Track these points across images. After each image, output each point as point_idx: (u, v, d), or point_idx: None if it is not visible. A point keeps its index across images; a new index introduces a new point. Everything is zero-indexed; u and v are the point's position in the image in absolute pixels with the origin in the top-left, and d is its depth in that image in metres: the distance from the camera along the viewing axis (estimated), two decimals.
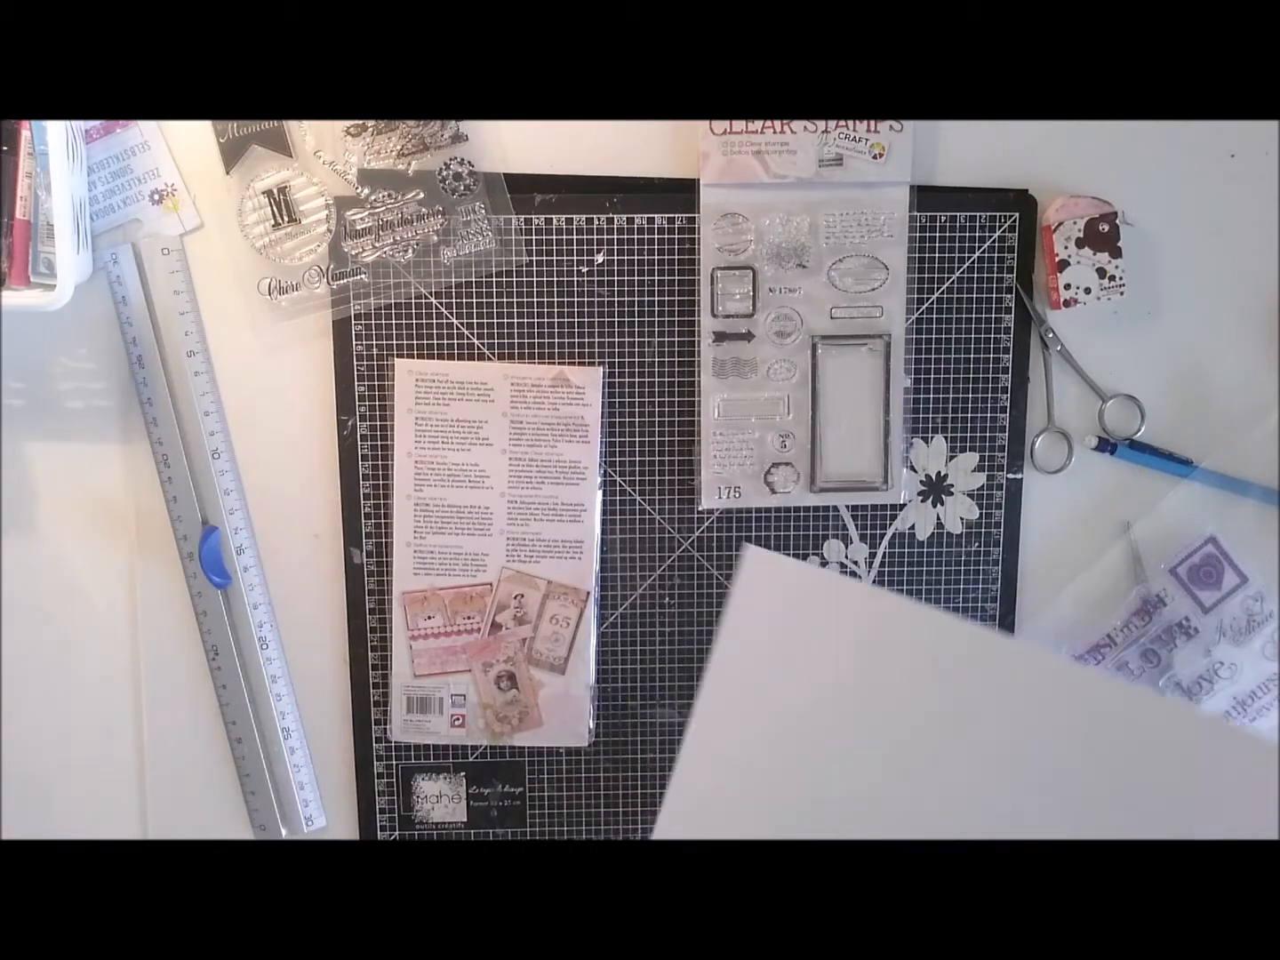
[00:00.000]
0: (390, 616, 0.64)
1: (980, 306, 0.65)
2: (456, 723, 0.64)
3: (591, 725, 0.65)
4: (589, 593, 0.62)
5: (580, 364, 0.64)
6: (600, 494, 0.61)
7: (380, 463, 0.64)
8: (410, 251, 0.63)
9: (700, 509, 0.65)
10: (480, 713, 0.64)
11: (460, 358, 0.64)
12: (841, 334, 0.64)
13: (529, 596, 0.62)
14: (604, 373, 0.59)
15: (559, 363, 0.64)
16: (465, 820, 0.68)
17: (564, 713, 0.64)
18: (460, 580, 0.62)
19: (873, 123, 0.61)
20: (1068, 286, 0.64)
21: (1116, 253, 0.63)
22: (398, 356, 0.63)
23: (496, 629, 0.63)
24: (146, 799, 0.67)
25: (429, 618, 0.63)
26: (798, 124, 0.61)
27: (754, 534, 0.66)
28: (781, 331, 0.63)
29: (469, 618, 0.63)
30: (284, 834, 0.67)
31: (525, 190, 0.63)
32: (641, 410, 0.65)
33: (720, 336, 0.64)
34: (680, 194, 0.64)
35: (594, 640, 0.63)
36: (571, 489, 0.61)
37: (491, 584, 0.62)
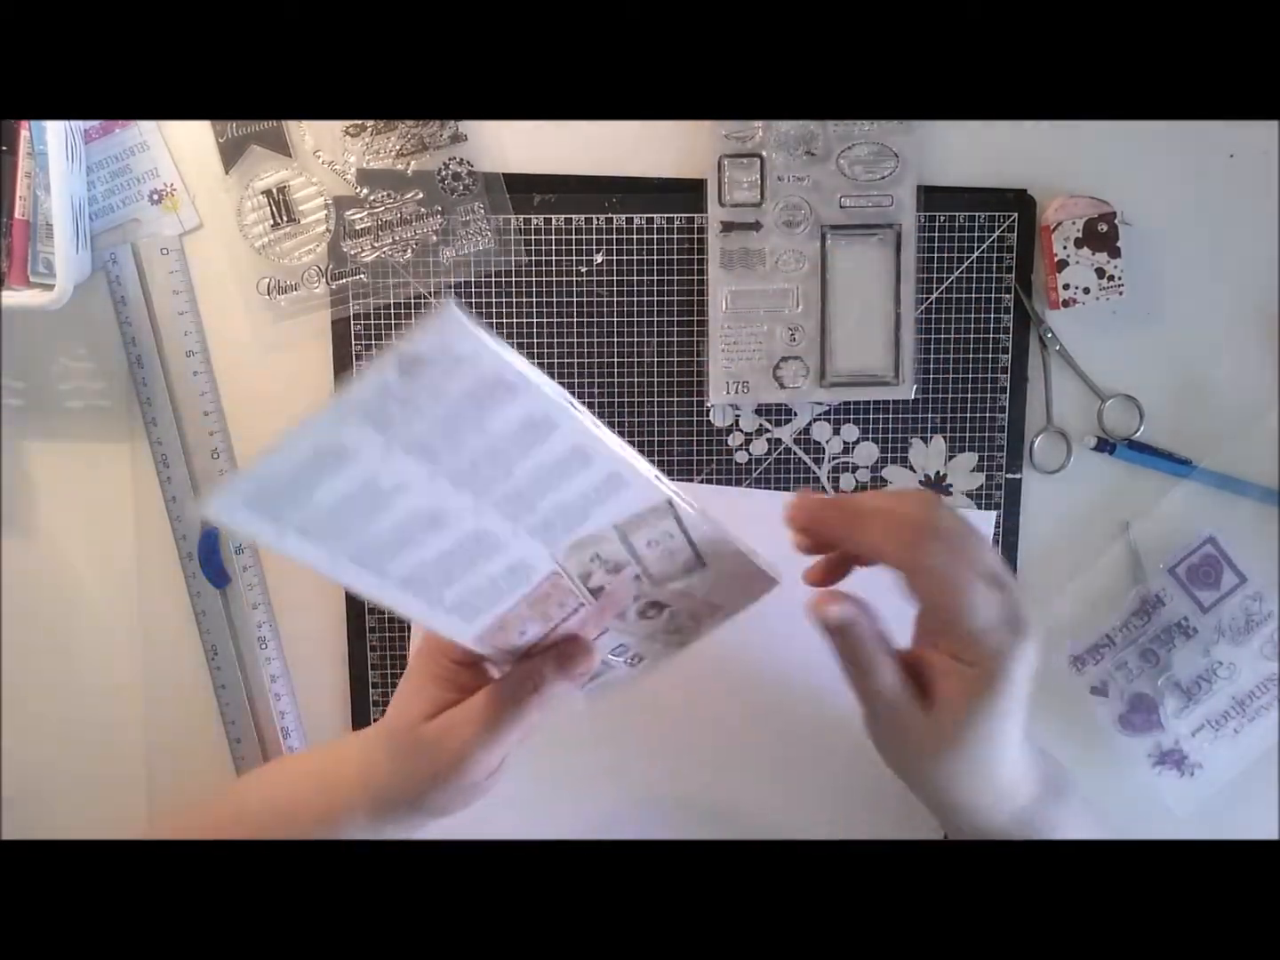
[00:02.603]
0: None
1: (979, 306, 0.65)
2: (635, 662, 0.55)
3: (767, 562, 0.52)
4: (667, 499, 0.46)
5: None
6: (590, 417, 0.42)
7: None
8: (409, 251, 0.63)
9: (709, 404, 0.65)
10: (650, 640, 0.54)
11: None
12: (851, 223, 0.64)
13: (605, 548, 0.47)
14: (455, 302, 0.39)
15: (557, 361, 0.64)
16: None
17: (735, 580, 0.52)
18: (519, 592, 0.48)
19: None
20: (1066, 286, 0.64)
21: (1115, 253, 0.63)
22: None
23: (599, 591, 0.49)
24: (146, 799, 0.67)
25: (521, 634, 0.50)
26: None
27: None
28: (790, 221, 0.63)
29: (562, 605, 0.50)
30: None
31: (524, 190, 0.63)
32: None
33: (728, 226, 0.63)
34: (680, 194, 0.64)
35: (703, 520, 0.49)
36: (547, 445, 0.42)
37: (558, 570, 0.48)
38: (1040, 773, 0.54)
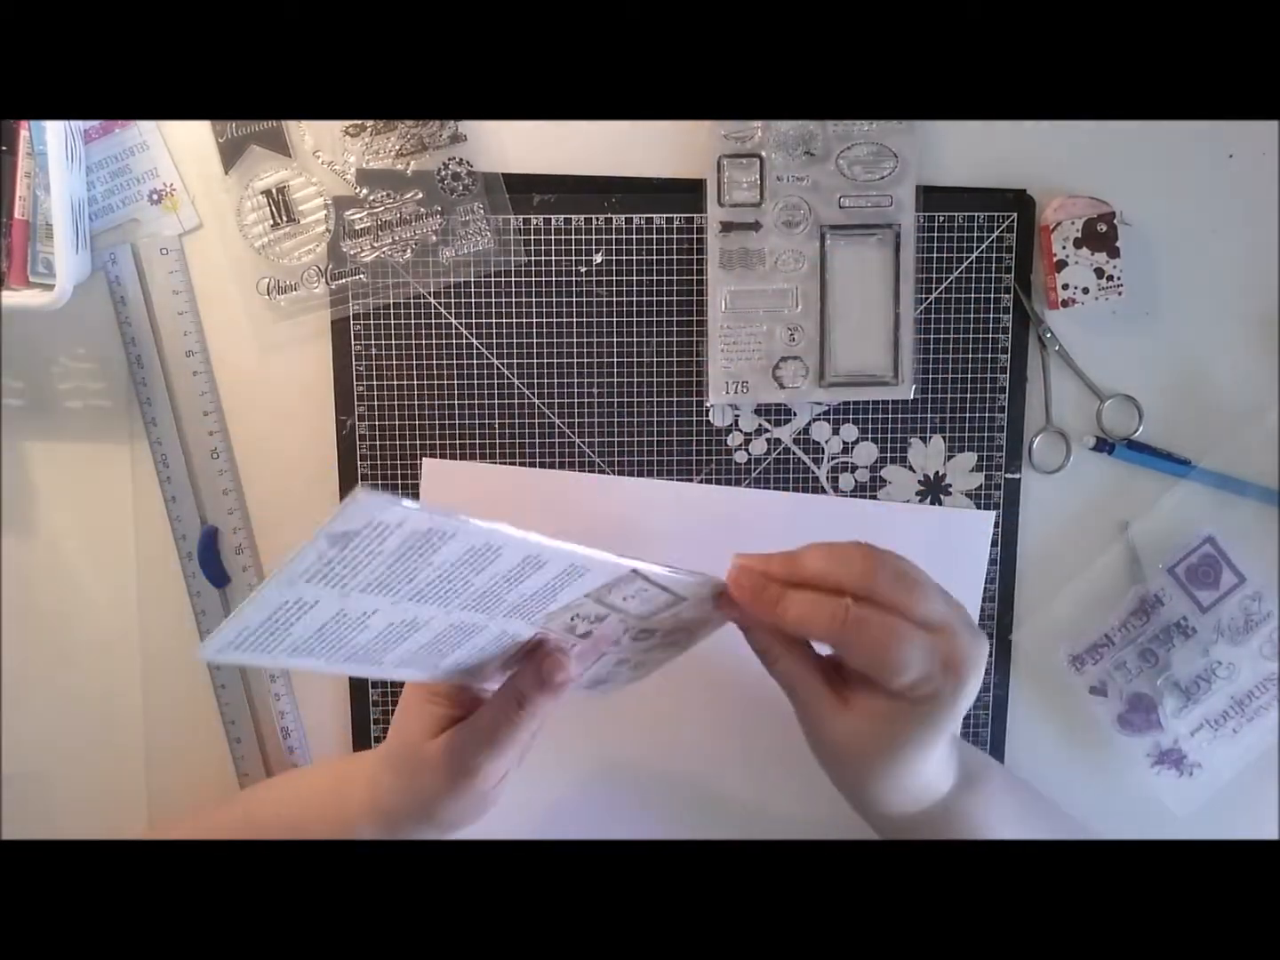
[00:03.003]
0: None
1: (978, 307, 0.65)
2: (637, 668, 0.57)
3: None
4: (632, 569, 0.47)
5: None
6: (524, 535, 0.42)
7: (379, 463, 0.64)
8: (409, 251, 0.63)
9: (709, 404, 0.65)
10: (648, 653, 0.56)
11: (459, 357, 0.64)
12: (851, 223, 0.64)
13: (583, 610, 0.49)
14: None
15: (557, 361, 0.64)
16: None
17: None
18: (510, 652, 0.51)
19: None
20: (1066, 286, 0.64)
21: (1115, 253, 0.63)
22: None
23: (588, 635, 0.52)
24: (146, 799, 0.67)
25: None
26: None
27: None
28: (790, 221, 0.63)
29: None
30: None
31: (524, 190, 0.63)
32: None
33: (727, 226, 0.63)
34: (679, 194, 0.64)
35: (673, 573, 0.50)
36: (497, 564, 0.43)
37: (541, 633, 0.50)
38: (956, 765, 0.55)
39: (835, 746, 0.52)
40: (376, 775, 0.56)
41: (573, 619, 0.49)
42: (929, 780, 0.53)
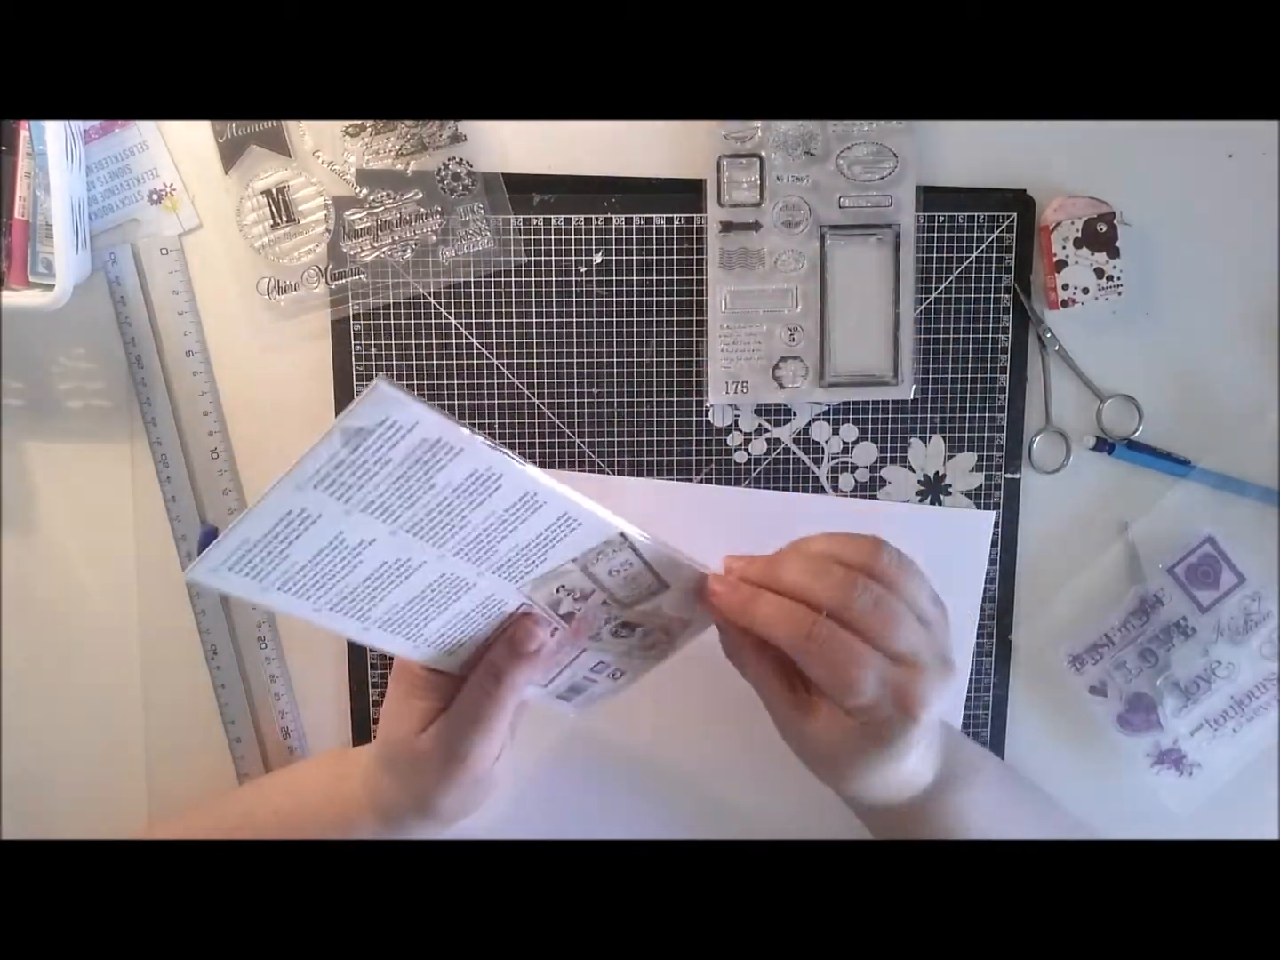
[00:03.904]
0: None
1: (978, 307, 0.65)
2: (617, 676, 0.58)
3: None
4: (620, 532, 0.49)
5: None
6: (534, 469, 0.44)
7: None
8: (409, 251, 0.63)
9: (709, 404, 0.65)
10: (628, 656, 0.57)
11: (459, 357, 0.64)
12: (850, 223, 0.64)
13: (569, 580, 0.51)
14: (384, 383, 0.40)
15: (557, 361, 0.64)
16: None
17: (700, 598, 0.54)
18: (493, 624, 0.52)
19: None
20: (1065, 287, 0.64)
21: (1114, 253, 0.63)
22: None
23: (569, 617, 0.53)
24: (146, 799, 0.67)
25: None
26: None
27: None
28: (789, 221, 0.63)
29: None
30: None
31: (524, 190, 0.63)
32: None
33: (727, 226, 0.63)
34: (679, 194, 0.64)
35: (659, 547, 0.52)
36: (496, 496, 0.45)
37: (526, 602, 0.51)
38: (938, 759, 0.55)
39: (803, 748, 0.53)
40: (372, 775, 0.56)
41: (558, 590, 0.50)
42: (905, 778, 0.54)
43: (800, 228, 0.63)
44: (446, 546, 0.45)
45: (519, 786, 0.66)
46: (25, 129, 0.58)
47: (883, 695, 0.48)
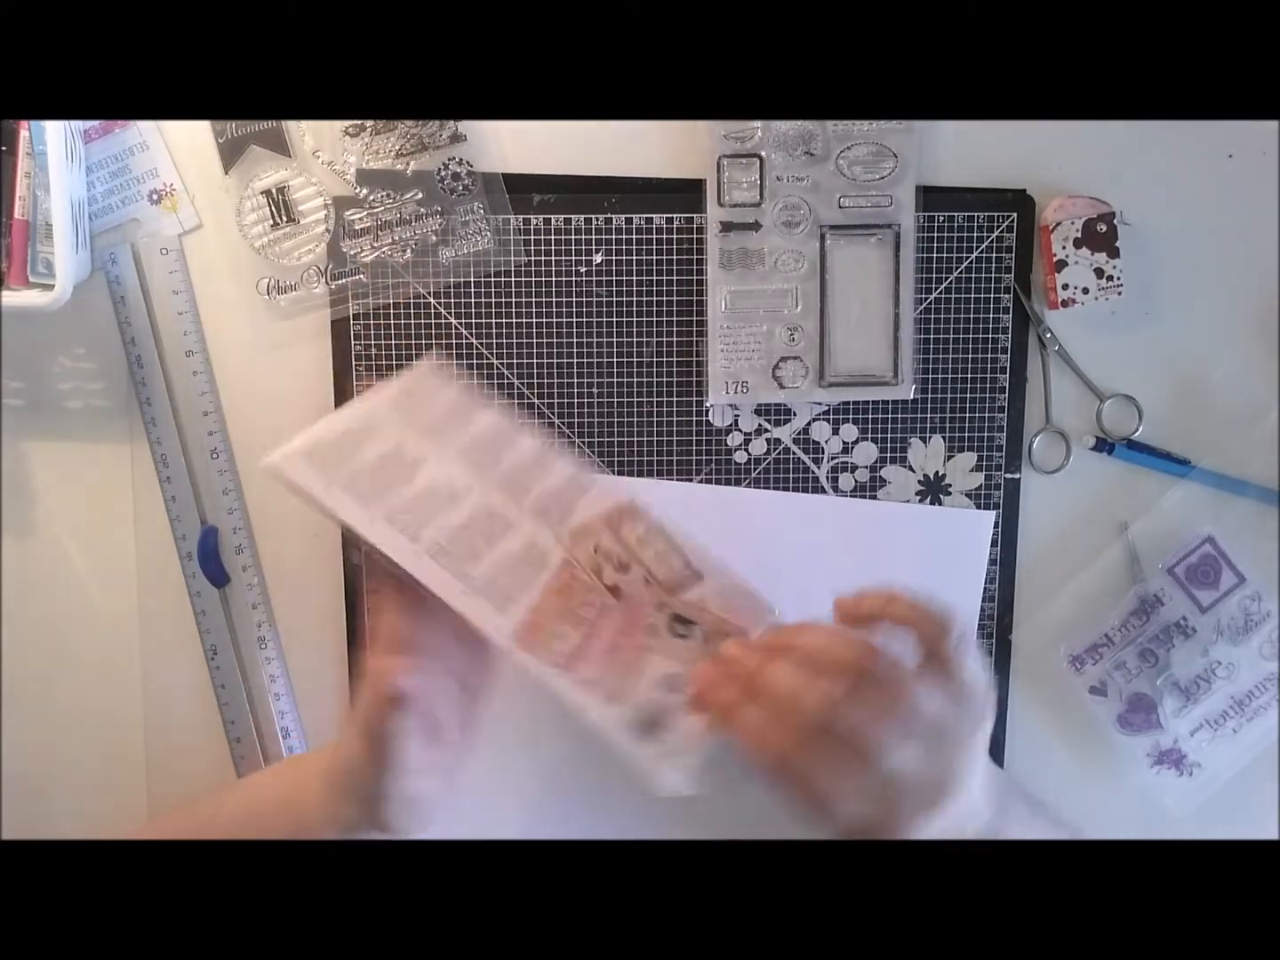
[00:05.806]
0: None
1: (978, 307, 0.65)
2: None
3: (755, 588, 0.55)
4: (631, 498, 0.55)
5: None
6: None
7: None
8: (409, 251, 0.63)
9: (709, 404, 0.65)
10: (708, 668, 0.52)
11: (459, 358, 0.64)
12: (850, 224, 0.64)
13: (602, 540, 0.53)
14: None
15: (557, 361, 0.64)
16: None
17: (739, 598, 0.54)
18: (540, 577, 0.52)
19: None
20: (1065, 287, 0.64)
21: (1114, 253, 0.63)
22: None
23: (616, 590, 0.53)
24: (147, 798, 0.67)
25: (559, 638, 0.51)
26: None
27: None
28: (789, 221, 0.63)
29: (587, 603, 0.52)
30: None
31: (524, 190, 0.63)
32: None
33: (727, 226, 0.63)
34: (679, 194, 0.64)
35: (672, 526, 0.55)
36: (518, 446, 0.56)
37: (569, 559, 0.53)
38: (992, 793, 0.51)
39: (838, 830, 0.49)
40: (321, 793, 0.55)
41: (595, 550, 0.53)
42: (958, 821, 0.49)
43: (800, 228, 0.63)
44: (488, 478, 0.53)
45: (506, 786, 0.66)
46: (25, 129, 0.58)
47: (868, 814, 0.46)
